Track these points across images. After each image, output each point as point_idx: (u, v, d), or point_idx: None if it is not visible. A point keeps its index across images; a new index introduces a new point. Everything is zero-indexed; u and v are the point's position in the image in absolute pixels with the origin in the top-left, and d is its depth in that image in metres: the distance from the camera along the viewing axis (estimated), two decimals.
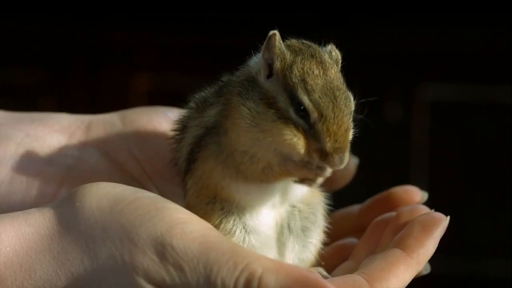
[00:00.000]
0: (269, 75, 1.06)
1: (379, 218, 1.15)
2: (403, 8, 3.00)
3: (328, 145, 1.02)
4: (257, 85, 1.06)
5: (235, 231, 1.09)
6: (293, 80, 1.03)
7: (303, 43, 1.08)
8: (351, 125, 1.04)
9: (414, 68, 3.00)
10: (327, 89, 1.03)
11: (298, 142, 1.02)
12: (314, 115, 1.02)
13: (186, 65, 3.09)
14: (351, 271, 1.06)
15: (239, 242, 1.08)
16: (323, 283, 0.93)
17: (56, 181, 1.20)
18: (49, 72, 3.12)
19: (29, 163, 1.20)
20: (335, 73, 1.05)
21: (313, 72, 1.03)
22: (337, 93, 1.03)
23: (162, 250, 0.96)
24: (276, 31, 1.04)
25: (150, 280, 0.97)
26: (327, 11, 3.02)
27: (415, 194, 1.19)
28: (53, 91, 3.08)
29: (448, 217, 1.07)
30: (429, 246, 1.04)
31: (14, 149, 1.21)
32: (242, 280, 0.94)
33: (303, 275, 0.94)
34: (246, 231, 1.09)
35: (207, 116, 1.10)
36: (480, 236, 3.03)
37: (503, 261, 3.02)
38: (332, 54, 1.08)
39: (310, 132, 1.03)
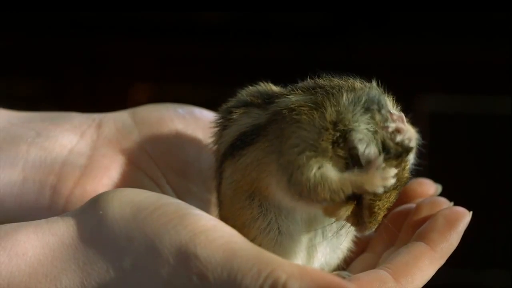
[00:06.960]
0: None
1: (397, 210, 1.14)
2: (402, 18, 3.01)
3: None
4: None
5: (269, 231, 1.07)
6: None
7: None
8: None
9: (413, 78, 3.01)
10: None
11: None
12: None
13: (186, 75, 3.09)
14: (371, 264, 1.06)
15: (271, 242, 1.07)
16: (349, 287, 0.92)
17: (70, 180, 1.17)
18: (48, 83, 3.12)
19: (41, 163, 1.18)
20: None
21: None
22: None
23: (186, 259, 0.93)
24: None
25: None
26: (325, 21, 3.03)
27: (430, 187, 1.17)
28: (52, 102, 3.08)
29: (471, 212, 1.07)
30: (453, 240, 1.04)
31: (25, 149, 1.19)
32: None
33: (328, 280, 0.92)
34: (279, 232, 1.07)
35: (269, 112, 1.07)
36: (480, 246, 3.02)
37: (503, 272, 3.02)
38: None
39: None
